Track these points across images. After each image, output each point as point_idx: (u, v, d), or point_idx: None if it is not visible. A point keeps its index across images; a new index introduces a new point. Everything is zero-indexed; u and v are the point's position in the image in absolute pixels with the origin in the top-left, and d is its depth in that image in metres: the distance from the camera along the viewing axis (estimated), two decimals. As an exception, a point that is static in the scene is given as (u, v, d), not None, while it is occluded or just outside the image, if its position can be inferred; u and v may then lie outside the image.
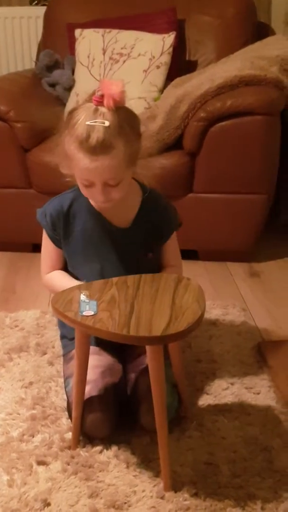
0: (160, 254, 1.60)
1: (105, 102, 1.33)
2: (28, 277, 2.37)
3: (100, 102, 1.34)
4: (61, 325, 1.71)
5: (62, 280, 1.57)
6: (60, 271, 1.62)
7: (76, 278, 1.59)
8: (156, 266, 1.58)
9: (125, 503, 1.29)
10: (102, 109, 1.34)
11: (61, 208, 1.55)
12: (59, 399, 1.61)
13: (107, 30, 2.74)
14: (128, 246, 1.54)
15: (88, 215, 1.54)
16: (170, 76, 2.65)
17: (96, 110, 1.34)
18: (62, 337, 1.70)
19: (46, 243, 1.61)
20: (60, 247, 1.59)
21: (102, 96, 1.33)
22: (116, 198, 1.44)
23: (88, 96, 1.38)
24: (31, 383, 1.68)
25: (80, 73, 2.75)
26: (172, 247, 1.61)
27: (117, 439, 1.46)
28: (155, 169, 2.17)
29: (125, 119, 1.36)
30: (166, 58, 2.63)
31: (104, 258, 1.55)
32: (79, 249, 1.56)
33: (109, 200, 1.44)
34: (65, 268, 1.63)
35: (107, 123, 1.33)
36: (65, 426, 1.51)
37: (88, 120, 1.33)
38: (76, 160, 1.37)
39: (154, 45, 2.64)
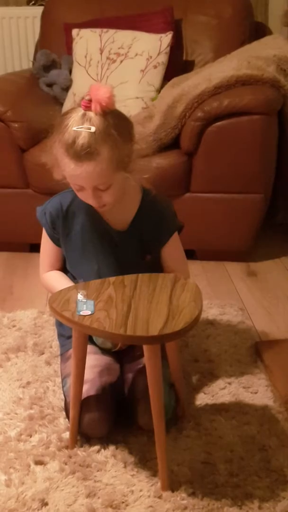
0: (161, 259, 1.60)
1: (92, 107, 1.33)
2: (25, 277, 2.37)
3: (88, 107, 1.34)
4: (58, 323, 1.71)
5: (60, 281, 1.57)
6: (58, 271, 1.62)
7: (74, 277, 1.59)
8: (155, 269, 1.57)
9: (123, 502, 1.29)
10: (90, 114, 1.34)
11: (61, 207, 1.55)
12: (56, 399, 1.61)
13: (104, 30, 2.74)
14: (126, 248, 1.54)
15: (86, 215, 1.54)
16: (167, 76, 2.65)
17: (83, 115, 1.34)
18: (59, 335, 1.70)
19: (46, 242, 1.61)
20: (59, 245, 1.59)
21: (90, 100, 1.33)
22: (109, 202, 1.44)
23: (80, 99, 1.37)
24: (28, 383, 1.68)
25: (77, 73, 2.75)
26: (172, 251, 1.60)
27: (114, 439, 1.46)
28: (153, 170, 2.17)
29: (113, 124, 1.35)
30: (163, 58, 2.63)
31: (102, 259, 1.55)
32: (77, 248, 1.57)
33: (102, 204, 1.45)
34: (64, 267, 1.64)
35: (93, 129, 1.33)
36: (62, 426, 1.51)
37: (76, 125, 1.34)
38: (63, 165, 1.38)
39: (151, 45, 2.64)
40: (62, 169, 1.40)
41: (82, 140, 1.32)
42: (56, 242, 1.59)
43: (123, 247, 1.54)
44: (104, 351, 1.56)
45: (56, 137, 1.38)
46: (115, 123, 1.36)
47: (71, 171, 1.37)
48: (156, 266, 1.59)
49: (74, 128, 1.33)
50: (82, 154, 1.33)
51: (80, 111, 1.35)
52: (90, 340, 1.50)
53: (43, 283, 1.65)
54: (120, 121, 1.39)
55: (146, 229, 1.54)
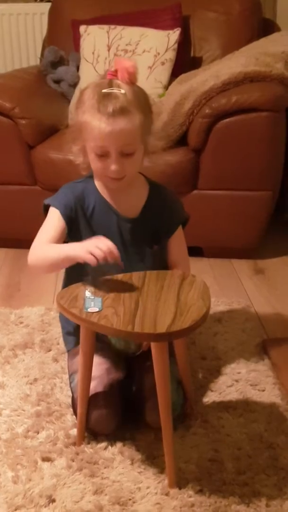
0: (167, 250, 1.59)
1: (119, 75, 1.37)
2: (32, 274, 2.36)
3: (114, 76, 1.38)
4: (64, 320, 1.69)
5: (53, 245, 1.44)
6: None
7: (80, 270, 1.55)
8: (161, 260, 1.57)
9: (130, 499, 1.29)
10: (117, 81, 1.38)
11: (73, 197, 1.51)
12: (63, 396, 1.61)
13: (112, 26, 2.73)
14: (135, 236, 1.53)
15: (96, 204, 1.52)
16: (175, 73, 2.65)
17: (110, 82, 1.38)
18: (68, 333, 1.69)
19: (51, 218, 1.49)
20: (69, 227, 1.50)
21: (116, 70, 1.37)
22: (129, 173, 1.43)
23: (99, 77, 1.42)
24: (36, 380, 1.68)
25: (85, 70, 2.75)
26: (178, 243, 1.59)
27: (122, 436, 1.46)
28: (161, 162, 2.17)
29: (140, 92, 1.40)
30: (171, 55, 2.63)
31: None
32: (86, 237, 1.54)
33: (122, 175, 1.43)
34: None
35: (123, 91, 1.36)
36: (69, 423, 1.52)
37: (105, 89, 1.37)
38: (91, 127, 1.38)
39: (159, 42, 2.63)
40: (89, 134, 1.39)
41: (114, 98, 1.35)
42: (69, 221, 1.49)
43: (132, 235, 1.53)
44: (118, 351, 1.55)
45: (80, 107, 1.40)
46: (141, 92, 1.41)
47: (101, 130, 1.36)
48: (161, 257, 1.58)
49: (105, 90, 1.37)
50: (115, 111, 1.34)
51: (105, 81, 1.38)
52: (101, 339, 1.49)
53: (33, 254, 1.45)
54: (143, 92, 1.43)
55: (156, 217, 1.54)
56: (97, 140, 1.39)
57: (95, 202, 1.52)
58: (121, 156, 1.40)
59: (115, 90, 1.36)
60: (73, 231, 1.52)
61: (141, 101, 1.39)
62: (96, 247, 1.30)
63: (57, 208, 1.50)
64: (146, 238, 1.54)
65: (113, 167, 1.41)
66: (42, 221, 1.59)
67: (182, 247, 1.62)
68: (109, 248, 1.30)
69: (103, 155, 1.41)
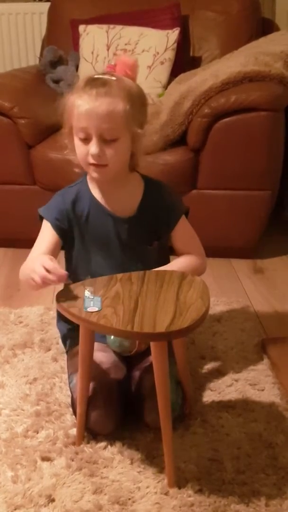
0: (173, 244, 1.57)
1: (117, 69, 1.38)
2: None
3: (112, 69, 1.39)
4: (61, 323, 1.69)
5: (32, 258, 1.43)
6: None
7: (79, 275, 1.57)
8: (162, 256, 1.57)
9: (129, 499, 1.29)
10: (113, 73, 1.39)
11: (64, 205, 1.51)
12: (63, 395, 1.61)
13: (111, 26, 2.73)
14: (133, 235, 1.52)
15: (91, 208, 1.52)
16: (174, 72, 2.65)
17: (105, 72, 1.40)
18: (64, 336, 1.68)
19: (44, 232, 1.52)
20: (63, 238, 1.52)
21: (115, 65, 1.39)
22: (111, 162, 1.41)
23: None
24: (35, 379, 1.68)
25: (84, 69, 2.75)
26: (184, 235, 1.57)
27: (121, 435, 1.46)
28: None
29: (134, 86, 1.40)
30: (170, 54, 2.63)
31: (109, 249, 1.53)
32: (83, 242, 1.54)
33: (103, 159, 1.40)
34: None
35: (114, 78, 1.37)
36: (69, 422, 1.52)
37: (96, 75, 1.39)
38: (73, 105, 1.38)
39: (158, 41, 2.63)
40: (73, 116, 1.39)
41: (103, 82, 1.36)
42: (61, 233, 1.51)
43: (130, 234, 1.52)
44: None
45: (69, 93, 1.41)
46: (135, 86, 1.41)
47: (83, 108, 1.36)
48: (162, 253, 1.57)
49: (96, 76, 1.38)
50: (100, 91, 1.35)
51: (100, 72, 1.41)
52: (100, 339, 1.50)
53: (20, 271, 1.49)
54: (139, 88, 1.43)
55: (154, 213, 1.52)
56: (77, 120, 1.39)
57: (90, 206, 1.52)
58: (102, 141, 1.38)
59: (106, 76, 1.37)
60: (69, 241, 1.53)
61: (132, 93, 1.38)
62: (33, 271, 1.28)
63: (48, 221, 1.51)
64: (145, 236, 1.54)
65: (92, 149, 1.39)
66: (40, 221, 1.60)
67: (189, 237, 1.59)
68: (44, 270, 1.26)
69: (86, 139, 1.40)
